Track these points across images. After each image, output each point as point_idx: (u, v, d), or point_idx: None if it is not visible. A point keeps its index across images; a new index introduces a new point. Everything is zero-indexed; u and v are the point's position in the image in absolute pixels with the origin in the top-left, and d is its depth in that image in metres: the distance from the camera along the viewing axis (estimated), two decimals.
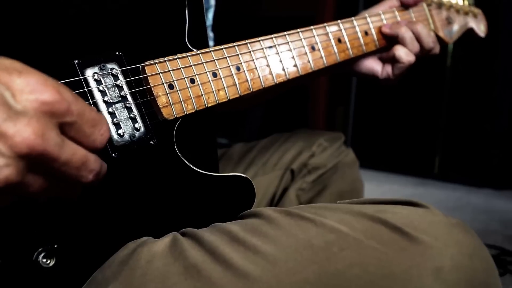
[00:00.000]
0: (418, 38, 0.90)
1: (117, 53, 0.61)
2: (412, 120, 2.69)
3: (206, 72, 0.67)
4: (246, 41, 0.71)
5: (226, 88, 0.68)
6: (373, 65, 0.94)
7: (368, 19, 0.89)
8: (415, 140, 2.69)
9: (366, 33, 0.88)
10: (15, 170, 0.38)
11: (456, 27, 1.01)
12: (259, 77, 0.72)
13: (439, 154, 2.61)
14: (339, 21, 0.84)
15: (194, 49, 0.67)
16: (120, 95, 0.60)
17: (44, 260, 0.53)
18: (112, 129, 0.58)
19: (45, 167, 0.40)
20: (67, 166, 0.41)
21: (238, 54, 0.70)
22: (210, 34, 1.11)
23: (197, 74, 0.66)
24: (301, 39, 0.78)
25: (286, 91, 1.05)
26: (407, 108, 2.70)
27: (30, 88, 0.39)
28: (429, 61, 0.97)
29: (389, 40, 0.91)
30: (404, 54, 0.89)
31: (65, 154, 0.40)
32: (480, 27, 1.06)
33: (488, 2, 1.60)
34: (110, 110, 0.58)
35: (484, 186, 2.45)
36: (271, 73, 0.74)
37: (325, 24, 0.82)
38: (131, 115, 0.60)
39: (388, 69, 0.93)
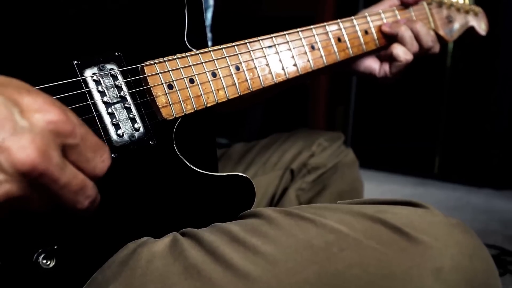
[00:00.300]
0: (417, 37, 0.90)
1: (116, 53, 0.61)
2: (412, 120, 2.69)
3: (205, 72, 0.67)
4: (246, 41, 0.71)
5: (225, 88, 0.68)
6: (370, 63, 0.94)
7: (368, 18, 0.88)
8: (415, 140, 2.69)
9: (366, 32, 0.88)
10: (15, 186, 0.38)
11: (456, 25, 1.01)
12: (259, 76, 0.72)
13: (439, 154, 2.61)
14: (339, 20, 0.84)
15: (193, 49, 0.67)
16: (120, 95, 0.60)
17: (44, 261, 0.53)
18: (112, 129, 0.58)
19: (44, 187, 0.40)
20: (65, 189, 0.41)
21: (237, 54, 0.70)
22: (209, 35, 1.11)
23: (197, 74, 0.66)
24: (300, 39, 0.78)
25: (286, 90, 1.05)
26: (407, 108, 2.70)
27: (38, 106, 0.40)
28: (429, 61, 0.97)
29: (389, 39, 0.91)
30: (402, 52, 0.89)
31: (66, 176, 0.40)
32: (481, 26, 1.06)
33: (488, 2, 1.60)
34: (109, 110, 0.58)
35: (484, 186, 2.45)
36: (270, 73, 0.73)
37: (325, 23, 0.82)
38: (131, 116, 0.60)
39: (386, 67, 0.93)
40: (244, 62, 0.70)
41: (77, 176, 0.42)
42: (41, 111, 0.40)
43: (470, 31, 1.06)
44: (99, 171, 0.44)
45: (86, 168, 0.43)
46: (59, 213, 0.44)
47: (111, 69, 0.60)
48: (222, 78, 0.68)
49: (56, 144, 0.40)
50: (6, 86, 0.40)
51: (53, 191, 0.41)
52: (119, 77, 0.60)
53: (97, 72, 0.59)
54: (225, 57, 0.69)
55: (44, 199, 0.42)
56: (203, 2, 0.70)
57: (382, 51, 0.93)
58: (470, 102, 2.49)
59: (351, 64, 0.95)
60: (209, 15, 1.08)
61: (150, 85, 0.62)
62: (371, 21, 0.89)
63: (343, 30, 0.84)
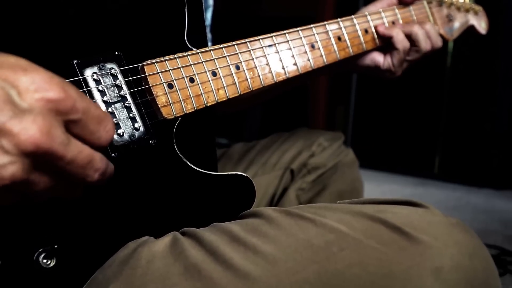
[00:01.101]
0: (429, 37, 0.92)
1: (116, 52, 0.61)
2: (412, 120, 2.69)
3: (205, 71, 0.66)
4: (246, 40, 0.71)
5: (225, 87, 0.68)
6: (375, 56, 0.95)
7: (368, 17, 0.89)
8: (415, 140, 2.69)
9: (366, 31, 0.88)
10: (20, 167, 0.38)
11: (457, 24, 1.01)
12: (259, 76, 0.72)
13: (439, 154, 2.61)
14: (339, 19, 0.84)
15: (193, 48, 0.67)
16: (120, 95, 0.60)
17: (45, 261, 0.53)
18: None
19: (50, 165, 0.40)
20: (72, 164, 0.41)
21: (237, 53, 0.70)
22: (209, 35, 1.11)
23: (197, 74, 0.66)
24: (301, 38, 0.78)
25: (286, 91, 1.06)
26: (407, 108, 2.70)
27: (36, 86, 0.39)
28: (429, 61, 0.97)
29: (385, 39, 0.91)
30: (423, 39, 0.90)
31: (71, 152, 0.40)
32: (481, 24, 1.06)
33: (488, 2, 1.60)
34: (110, 110, 0.58)
35: (484, 186, 2.45)
36: (270, 72, 0.73)
37: (325, 22, 0.82)
38: (131, 115, 0.60)
39: (389, 60, 0.94)
40: (244, 61, 0.70)
41: (83, 151, 0.41)
42: (39, 91, 0.39)
43: (470, 30, 1.06)
44: (104, 141, 0.43)
45: (91, 140, 0.42)
46: (60, 200, 0.43)
47: (111, 69, 0.60)
48: (222, 78, 0.68)
49: (58, 121, 0.40)
50: (0, 66, 0.39)
51: (60, 168, 0.40)
52: (119, 76, 0.60)
53: (97, 71, 0.59)
54: (225, 56, 0.69)
55: (52, 180, 0.41)
56: (203, 1, 0.70)
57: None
58: (470, 102, 2.49)
59: (354, 60, 0.95)
60: (208, 15, 1.08)
61: (150, 85, 0.62)
62: (371, 20, 0.89)
63: (343, 29, 0.84)
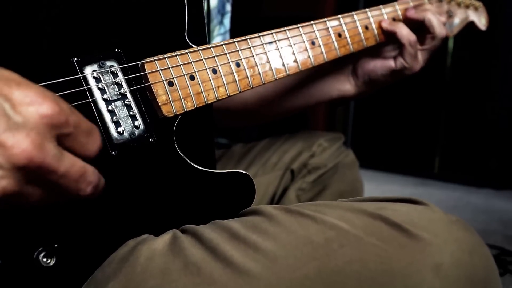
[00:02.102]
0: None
1: (116, 50, 0.61)
2: (412, 120, 2.69)
3: (206, 69, 0.66)
4: (246, 37, 0.71)
5: (226, 85, 0.68)
6: (383, 62, 0.93)
7: (369, 13, 0.88)
8: (415, 140, 2.69)
9: (366, 28, 0.88)
10: (12, 181, 0.38)
11: (457, 20, 1.00)
12: (259, 73, 0.72)
13: (439, 154, 2.61)
14: (339, 15, 0.84)
15: (194, 46, 0.67)
16: (120, 92, 0.60)
17: (45, 260, 0.53)
18: (112, 127, 0.58)
19: (43, 179, 0.40)
20: (65, 178, 0.41)
21: (238, 50, 0.70)
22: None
23: (197, 71, 0.66)
24: (301, 34, 0.77)
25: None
26: (407, 108, 2.70)
27: (29, 100, 0.39)
28: (429, 61, 0.97)
29: (389, 35, 0.91)
30: (438, 24, 0.90)
31: (64, 166, 0.40)
32: (481, 20, 1.06)
33: (488, 2, 1.60)
34: (110, 108, 0.58)
35: (484, 186, 2.45)
36: (271, 69, 0.73)
37: (326, 19, 0.81)
38: (131, 113, 0.60)
39: (400, 59, 0.91)
40: (244, 58, 0.70)
41: (76, 164, 0.42)
42: (33, 105, 0.39)
43: (470, 26, 1.06)
44: (93, 152, 0.44)
45: (82, 151, 0.43)
46: (59, 206, 0.44)
47: (111, 66, 0.60)
48: (222, 75, 0.68)
49: (51, 135, 0.40)
50: None
51: (53, 182, 0.41)
52: (119, 74, 0.60)
53: (97, 69, 0.58)
54: (226, 53, 0.68)
55: (44, 192, 0.42)
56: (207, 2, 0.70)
57: (390, 46, 0.93)
58: (470, 102, 2.49)
59: (369, 74, 0.95)
60: (226, 21, 1.08)
61: (151, 82, 0.62)
62: (372, 16, 0.89)
63: (343, 25, 0.84)
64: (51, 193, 0.42)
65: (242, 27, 0.75)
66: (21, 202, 0.41)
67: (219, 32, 1.08)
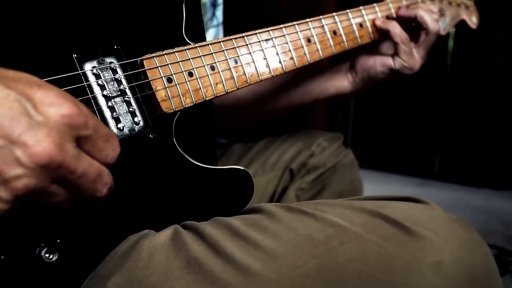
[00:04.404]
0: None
1: (115, 46, 0.61)
2: (412, 120, 2.69)
3: (204, 66, 0.66)
4: (243, 34, 0.71)
5: (224, 81, 0.68)
6: (383, 60, 0.93)
7: (363, 11, 0.89)
8: (415, 140, 2.69)
9: (361, 26, 0.88)
10: (34, 180, 0.39)
11: (448, 18, 1.01)
12: (256, 70, 0.72)
13: (439, 154, 2.61)
14: (334, 13, 0.85)
15: (191, 43, 0.67)
16: (119, 89, 0.59)
17: (47, 255, 0.53)
18: (112, 123, 0.58)
19: (64, 179, 0.41)
20: (83, 178, 0.42)
21: (235, 47, 0.70)
22: (220, 35, 1.11)
23: (195, 68, 0.66)
24: (297, 32, 0.78)
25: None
26: (407, 108, 2.69)
27: (50, 100, 0.40)
28: (429, 61, 0.97)
29: (383, 33, 0.91)
30: (430, 20, 0.90)
31: (82, 166, 0.42)
32: (471, 19, 1.06)
33: (488, 2, 1.60)
34: (109, 104, 0.58)
35: (484, 186, 2.44)
36: (268, 66, 0.74)
37: (321, 16, 0.82)
38: (130, 109, 0.60)
39: (398, 58, 0.91)
40: (242, 55, 0.70)
41: (93, 165, 0.43)
42: (54, 105, 0.40)
43: (461, 24, 1.06)
44: (111, 159, 0.45)
45: (99, 157, 0.44)
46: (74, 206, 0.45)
47: (110, 63, 0.60)
48: (220, 72, 0.68)
49: (71, 136, 0.41)
50: (17, 81, 0.40)
51: (72, 181, 0.42)
52: (119, 70, 0.60)
53: (96, 65, 0.58)
54: (223, 50, 0.69)
55: (63, 192, 0.42)
56: None
57: (385, 44, 0.93)
58: (470, 102, 2.49)
59: (368, 73, 0.95)
60: (219, 13, 1.08)
61: (150, 79, 0.62)
62: (366, 14, 0.89)
63: (338, 23, 0.85)
64: (72, 194, 0.43)
65: (242, 27, 0.75)
66: (45, 201, 0.42)
67: (212, 24, 1.08)
